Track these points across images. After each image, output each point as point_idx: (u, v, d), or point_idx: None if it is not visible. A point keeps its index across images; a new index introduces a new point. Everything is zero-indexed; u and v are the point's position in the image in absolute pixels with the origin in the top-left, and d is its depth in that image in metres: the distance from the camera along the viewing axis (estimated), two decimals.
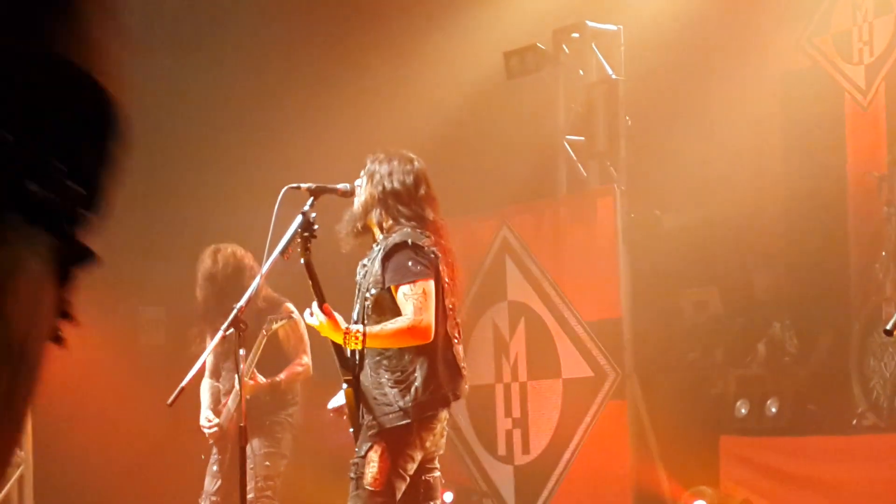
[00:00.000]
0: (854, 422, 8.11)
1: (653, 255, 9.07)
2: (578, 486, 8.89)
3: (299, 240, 4.87)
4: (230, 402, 7.06)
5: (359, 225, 5.16)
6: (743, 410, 8.62)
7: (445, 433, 5.17)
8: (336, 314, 4.95)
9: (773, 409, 8.44)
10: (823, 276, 8.83)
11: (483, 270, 9.62)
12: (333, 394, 5.38)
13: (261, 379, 6.83)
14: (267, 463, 7.02)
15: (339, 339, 4.96)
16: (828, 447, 8.02)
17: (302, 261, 4.88)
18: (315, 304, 4.95)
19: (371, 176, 5.15)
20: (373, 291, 5.04)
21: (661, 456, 8.54)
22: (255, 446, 6.95)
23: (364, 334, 4.91)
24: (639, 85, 9.15)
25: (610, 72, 9.18)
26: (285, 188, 5.05)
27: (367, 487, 4.96)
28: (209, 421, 7.09)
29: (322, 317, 4.91)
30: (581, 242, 9.04)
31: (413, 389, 4.98)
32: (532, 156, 9.74)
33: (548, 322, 9.17)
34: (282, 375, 6.99)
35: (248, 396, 6.78)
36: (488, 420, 9.50)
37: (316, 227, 4.88)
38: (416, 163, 5.21)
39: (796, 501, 7.98)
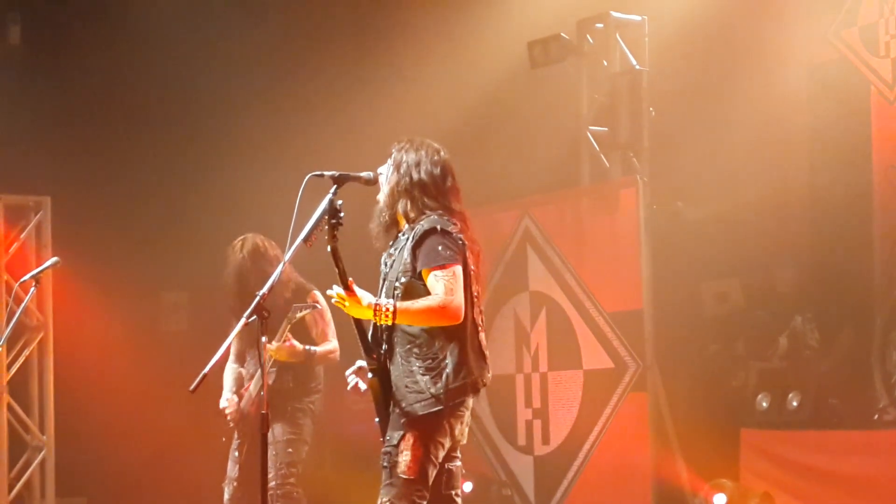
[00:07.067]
0: (875, 416, 8.08)
1: (675, 246, 9.05)
2: (598, 477, 8.88)
3: (326, 227, 4.85)
4: (252, 387, 7.09)
5: (386, 216, 5.14)
6: (764, 404, 8.60)
7: (469, 421, 5.17)
8: (359, 291, 4.93)
9: (795, 403, 8.42)
10: (846, 269, 8.78)
11: (505, 260, 9.61)
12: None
13: (297, 344, 6.84)
14: (290, 449, 7.04)
15: (367, 315, 4.94)
16: (849, 441, 7.99)
17: (329, 248, 4.87)
18: (337, 287, 4.93)
19: (398, 166, 5.12)
20: (403, 280, 5.03)
21: (682, 448, 8.52)
22: (276, 433, 6.98)
23: (395, 309, 4.92)
24: (663, 76, 9.12)
25: (634, 62, 9.16)
26: (308, 175, 5.03)
27: (402, 476, 4.96)
28: (229, 402, 7.12)
29: (345, 295, 4.89)
30: (603, 233, 9.02)
31: (444, 376, 4.98)
32: (555, 146, 9.72)
33: (569, 313, 9.16)
34: (318, 348, 7.01)
35: (276, 366, 6.80)
36: (508, 410, 9.49)
37: (342, 214, 4.86)
38: (442, 153, 5.17)
39: (817, 495, 7.95)
